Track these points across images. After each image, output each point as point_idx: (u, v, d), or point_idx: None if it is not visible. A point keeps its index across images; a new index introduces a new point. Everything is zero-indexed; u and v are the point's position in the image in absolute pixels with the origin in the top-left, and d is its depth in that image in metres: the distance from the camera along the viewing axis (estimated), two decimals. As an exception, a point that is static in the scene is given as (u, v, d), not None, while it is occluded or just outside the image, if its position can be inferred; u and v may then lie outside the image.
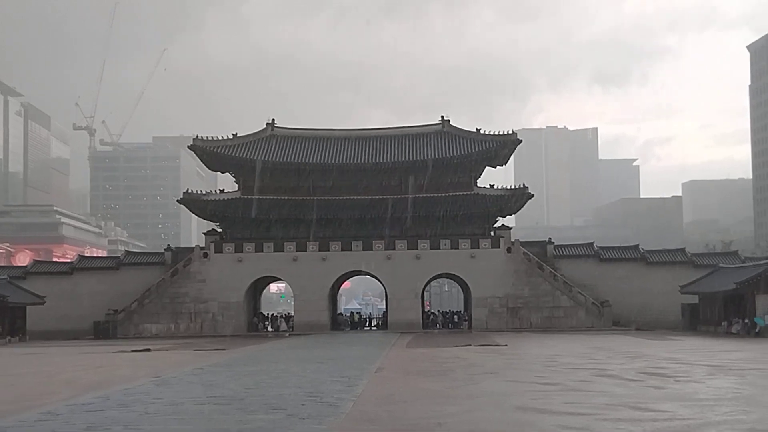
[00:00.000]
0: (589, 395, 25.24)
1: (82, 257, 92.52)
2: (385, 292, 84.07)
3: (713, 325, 70.01)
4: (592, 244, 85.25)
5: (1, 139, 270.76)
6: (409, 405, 23.76)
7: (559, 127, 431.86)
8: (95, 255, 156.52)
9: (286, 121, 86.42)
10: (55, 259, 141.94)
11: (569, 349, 49.08)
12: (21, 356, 51.64)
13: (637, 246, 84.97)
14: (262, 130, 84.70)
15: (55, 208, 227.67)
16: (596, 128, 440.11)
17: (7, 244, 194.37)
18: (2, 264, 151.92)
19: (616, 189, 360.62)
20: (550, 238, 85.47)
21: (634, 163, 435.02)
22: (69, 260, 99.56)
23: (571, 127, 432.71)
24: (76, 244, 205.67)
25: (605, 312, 77.24)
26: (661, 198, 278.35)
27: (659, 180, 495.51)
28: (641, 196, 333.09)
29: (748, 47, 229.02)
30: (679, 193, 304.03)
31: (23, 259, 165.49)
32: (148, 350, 52.68)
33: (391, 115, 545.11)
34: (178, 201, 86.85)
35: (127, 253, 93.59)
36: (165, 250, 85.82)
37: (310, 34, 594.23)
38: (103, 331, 76.29)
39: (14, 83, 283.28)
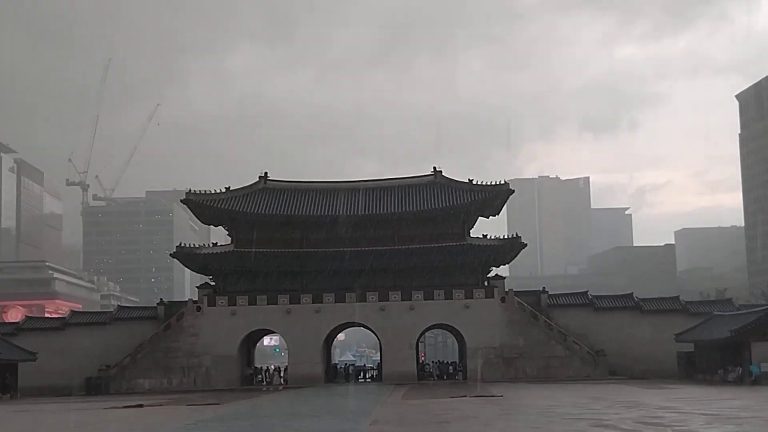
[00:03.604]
0: (585, 446, 25.02)
1: (74, 313, 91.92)
2: (380, 343, 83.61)
3: (709, 373, 69.60)
4: (586, 293, 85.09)
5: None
6: (405, 458, 23.51)
7: (551, 176, 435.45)
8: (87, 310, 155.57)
9: (277, 172, 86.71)
10: (47, 315, 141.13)
11: (565, 399, 48.76)
12: (11, 414, 51.05)
13: (631, 294, 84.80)
14: (255, 183, 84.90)
15: (47, 263, 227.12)
16: (588, 177, 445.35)
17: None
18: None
19: (609, 237, 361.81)
20: (544, 288, 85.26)
21: (627, 212, 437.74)
22: (61, 316, 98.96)
23: (563, 177, 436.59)
24: (69, 300, 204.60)
25: (601, 361, 76.87)
26: (654, 246, 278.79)
27: (652, 228, 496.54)
28: (634, 245, 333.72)
29: (737, 96, 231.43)
30: (672, 241, 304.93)
31: (15, 315, 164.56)
32: (141, 406, 52.08)
33: (382, 165, 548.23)
34: (171, 255, 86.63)
35: (120, 307, 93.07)
36: (158, 304, 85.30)
37: (298, 85, 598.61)
38: (96, 386, 75.50)
39: (7, 140, 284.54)
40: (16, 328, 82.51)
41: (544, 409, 40.93)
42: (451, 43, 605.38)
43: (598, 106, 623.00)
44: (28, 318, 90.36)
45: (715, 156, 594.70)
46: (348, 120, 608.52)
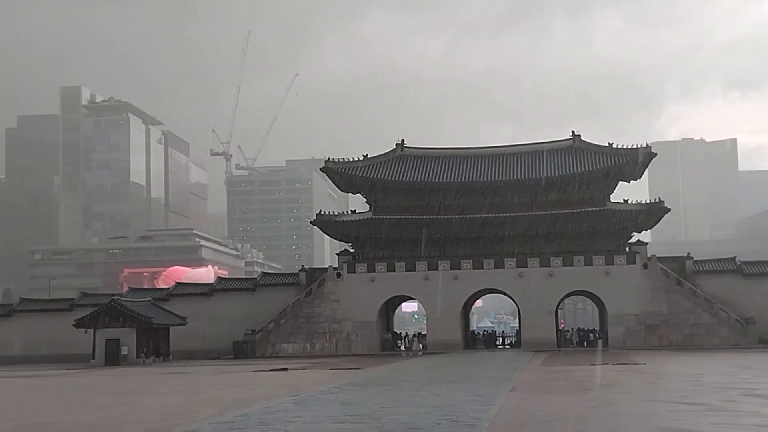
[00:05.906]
0: (737, 416, 24.21)
1: (220, 279, 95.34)
2: (518, 310, 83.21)
3: None
4: (734, 258, 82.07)
5: (143, 166, 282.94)
6: (547, 425, 23.37)
7: (695, 138, 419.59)
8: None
9: (412, 138, 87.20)
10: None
11: (712, 367, 47.31)
12: (166, 375, 53.50)
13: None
14: (392, 150, 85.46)
15: (194, 231, 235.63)
16: (735, 139, 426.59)
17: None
18: (146, 287, 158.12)
19: (758, 201, 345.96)
20: (688, 253, 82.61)
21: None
22: (209, 282, 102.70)
23: (708, 139, 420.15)
24: (216, 266, 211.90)
25: (750, 329, 74.19)
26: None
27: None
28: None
29: None
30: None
31: (166, 281, 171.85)
32: (286, 369, 53.66)
33: (518, 129, 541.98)
34: (311, 222, 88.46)
35: (263, 274, 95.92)
36: (299, 270, 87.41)
37: (432, 50, 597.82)
38: (242, 350, 78.25)
39: (155, 113, 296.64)
40: (167, 294, 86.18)
41: (691, 377, 39.83)
42: (589, 2, 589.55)
43: (746, 63, 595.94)
44: (178, 284, 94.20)
45: None
46: (483, 84, 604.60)
